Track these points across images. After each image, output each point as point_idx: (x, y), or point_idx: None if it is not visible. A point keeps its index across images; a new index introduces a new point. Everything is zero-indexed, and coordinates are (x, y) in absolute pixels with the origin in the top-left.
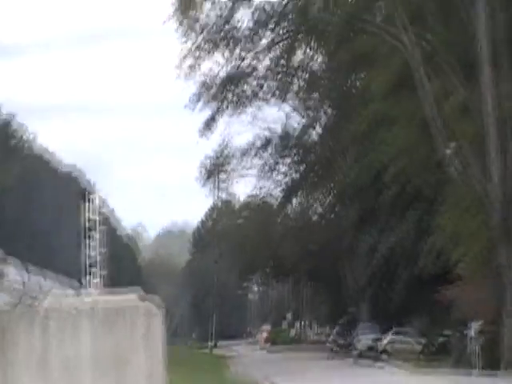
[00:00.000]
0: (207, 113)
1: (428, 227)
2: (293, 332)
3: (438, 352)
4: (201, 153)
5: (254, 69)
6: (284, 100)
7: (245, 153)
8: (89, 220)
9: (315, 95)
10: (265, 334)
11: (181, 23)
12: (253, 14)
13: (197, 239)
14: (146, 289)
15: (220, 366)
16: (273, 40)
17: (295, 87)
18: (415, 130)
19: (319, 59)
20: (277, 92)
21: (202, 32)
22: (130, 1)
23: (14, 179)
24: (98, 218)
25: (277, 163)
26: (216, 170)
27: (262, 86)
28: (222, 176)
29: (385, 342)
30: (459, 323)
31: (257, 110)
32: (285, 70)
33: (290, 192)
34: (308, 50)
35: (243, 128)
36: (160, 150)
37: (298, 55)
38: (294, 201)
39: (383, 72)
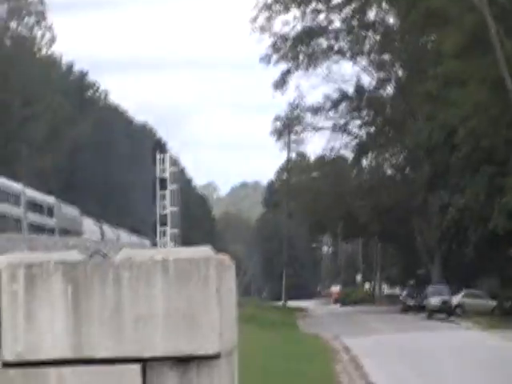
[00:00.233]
0: (282, 67)
1: (499, 188)
2: (363, 292)
3: (508, 313)
4: (273, 109)
5: (330, 22)
6: (356, 60)
7: (318, 109)
8: (161, 177)
9: (387, 56)
10: (335, 294)
11: None
12: None
13: (268, 196)
14: (218, 246)
15: (292, 323)
16: None
17: (367, 47)
18: (487, 89)
19: (391, 20)
20: (348, 53)
21: None
22: None
23: (90, 130)
24: (169, 176)
25: (347, 124)
26: (290, 124)
27: (336, 41)
28: (296, 130)
29: (455, 303)
30: None
31: (331, 65)
32: (357, 30)
33: (360, 153)
34: (380, 10)
35: (318, 82)
36: (232, 106)
37: (370, 16)
38: (365, 162)
39: (455, 32)
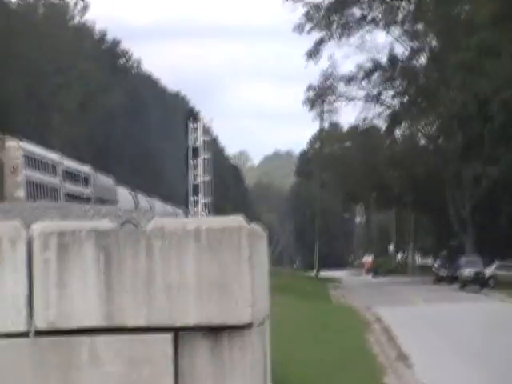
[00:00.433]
0: (315, 37)
1: None
2: (395, 262)
3: None
4: (307, 79)
5: None
6: (389, 30)
7: (351, 78)
8: (194, 146)
9: (420, 26)
10: (367, 265)
11: None
12: None
13: (301, 166)
14: (250, 216)
15: (324, 293)
16: None
17: (400, 17)
18: None
19: None
20: (382, 22)
21: None
22: None
23: (122, 98)
24: (202, 145)
25: (380, 93)
26: (323, 94)
27: (369, 10)
28: (329, 100)
29: (488, 274)
30: None
31: (365, 34)
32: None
33: (393, 123)
34: None
35: (351, 52)
36: (265, 75)
37: None
38: (398, 132)
39: (489, 1)
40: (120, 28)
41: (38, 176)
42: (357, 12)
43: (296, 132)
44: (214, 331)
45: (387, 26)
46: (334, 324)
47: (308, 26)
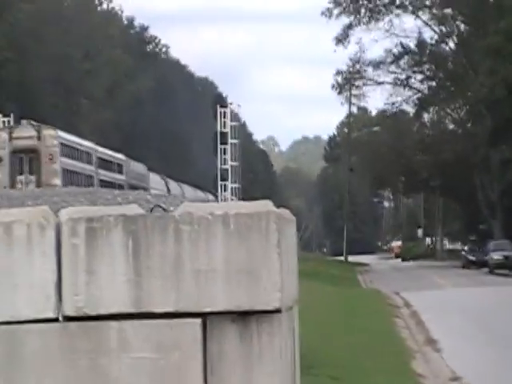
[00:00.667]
0: (343, 21)
1: None
2: (424, 247)
3: None
4: (335, 63)
5: None
6: (417, 14)
7: (380, 63)
8: (222, 132)
9: (448, 10)
10: (396, 249)
11: None
12: None
13: (329, 151)
14: (279, 201)
15: (352, 278)
16: None
17: (429, 2)
18: None
19: None
20: (410, 7)
21: None
22: None
23: (151, 84)
24: (230, 130)
25: (408, 78)
26: (351, 78)
27: None
28: (357, 84)
29: None
30: None
31: (393, 19)
32: None
33: (421, 107)
34: None
35: (379, 36)
36: (293, 60)
37: None
38: (426, 116)
39: None
40: (147, 14)
41: (73, 163)
42: None
43: (324, 117)
44: (243, 316)
45: (416, 10)
46: (363, 308)
47: (336, 11)
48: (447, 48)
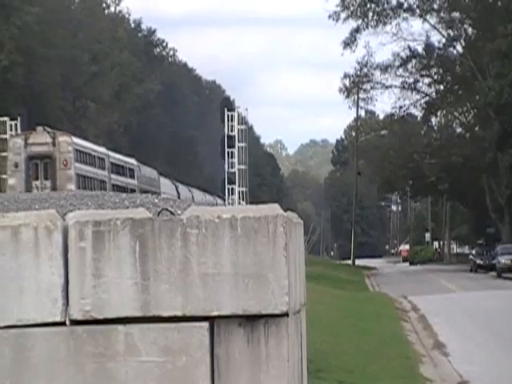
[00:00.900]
0: (351, 25)
1: None
2: (431, 251)
3: None
4: (342, 67)
5: None
6: (425, 18)
7: (387, 66)
8: (229, 135)
9: (456, 14)
10: (403, 253)
11: None
12: None
13: (337, 155)
14: (286, 205)
15: (360, 281)
16: None
17: (436, 5)
18: None
19: None
20: (418, 10)
21: None
22: None
23: (158, 87)
24: (238, 134)
25: (416, 82)
26: (359, 82)
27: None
28: (365, 88)
29: None
30: None
31: (401, 22)
32: None
33: (429, 111)
34: None
35: (387, 40)
36: (300, 64)
37: None
38: (434, 120)
39: None
40: (155, 17)
41: (87, 169)
42: (393, 0)
43: (332, 120)
44: (250, 320)
45: (423, 13)
46: (370, 312)
47: (344, 14)
48: (455, 51)
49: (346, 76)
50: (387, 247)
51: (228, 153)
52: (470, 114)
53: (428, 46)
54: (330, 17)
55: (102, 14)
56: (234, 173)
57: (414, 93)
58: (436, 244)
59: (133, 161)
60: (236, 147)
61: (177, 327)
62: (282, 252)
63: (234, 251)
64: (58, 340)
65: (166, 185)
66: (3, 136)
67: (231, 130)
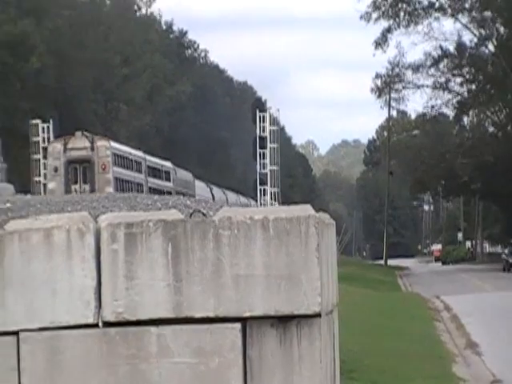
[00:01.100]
0: (382, 25)
1: None
2: (464, 250)
3: None
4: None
5: None
6: (457, 17)
7: (419, 66)
8: (261, 136)
9: (488, 13)
10: (436, 253)
11: None
12: None
13: (369, 155)
14: (318, 205)
15: (392, 281)
16: None
17: (468, 4)
18: None
19: None
20: (449, 10)
21: None
22: None
23: (190, 89)
24: (269, 135)
25: (448, 81)
26: (391, 82)
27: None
28: (397, 88)
29: None
30: None
31: (432, 22)
32: None
33: (461, 110)
34: None
35: (418, 40)
36: (332, 64)
37: None
38: (466, 119)
39: None
40: (186, 19)
41: (125, 172)
42: (424, 0)
43: (364, 121)
44: (283, 321)
45: (455, 13)
46: (403, 312)
47: (375, 15)
48: (487, 51)
49: (377, 76)
50: (419, 247)
51: (260, 154)
52: (502, 113)
53: (460, 46)
54: (361, 17)
55: (134, 16)
56: (266, 174)
57: (445, 92)
58: (468, 243)
59: (169, 164)
60: (268, 148)
61: (209, 328)
62: (314, 253)
63: (266, 252)
64: (90, 342)
65: (200, 187)
66: (35, 139)
67: (263, 131)
